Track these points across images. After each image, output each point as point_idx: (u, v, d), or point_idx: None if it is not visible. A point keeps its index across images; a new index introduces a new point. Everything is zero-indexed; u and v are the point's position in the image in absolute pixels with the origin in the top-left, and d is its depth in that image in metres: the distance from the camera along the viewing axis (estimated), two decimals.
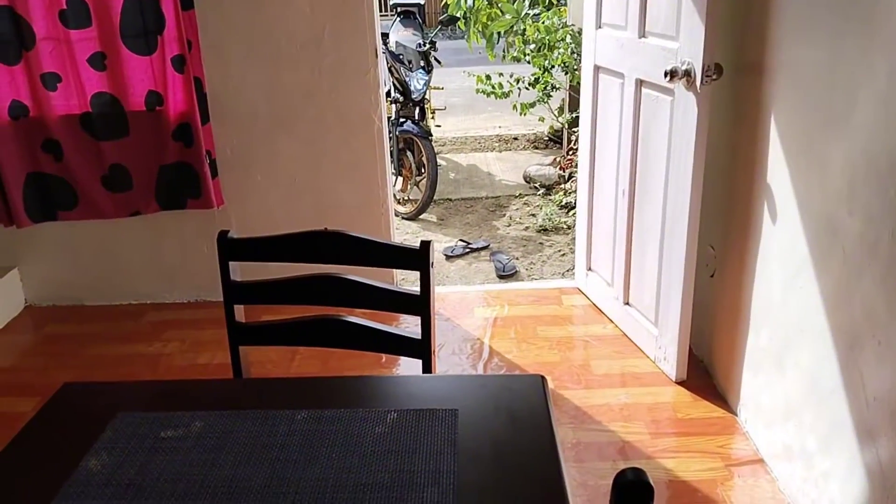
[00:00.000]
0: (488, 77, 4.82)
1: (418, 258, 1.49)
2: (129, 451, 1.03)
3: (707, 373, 2.43)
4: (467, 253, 3.68)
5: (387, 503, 0.94)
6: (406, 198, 4.26)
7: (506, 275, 3.40)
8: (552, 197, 4.30)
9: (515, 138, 5.73)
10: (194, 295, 3.07)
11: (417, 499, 0.94)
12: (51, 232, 2.95)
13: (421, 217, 4.19)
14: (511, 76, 4.80)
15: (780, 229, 1.95)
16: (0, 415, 2.33)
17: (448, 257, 3.64)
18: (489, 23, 4.80)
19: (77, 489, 0.96)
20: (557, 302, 2.96)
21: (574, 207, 3.89)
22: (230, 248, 1.56)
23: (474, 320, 2.86)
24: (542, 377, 1.21)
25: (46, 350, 2.78)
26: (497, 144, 5.64)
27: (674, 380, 2.38)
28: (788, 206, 1.90)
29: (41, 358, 2.72)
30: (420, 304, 1.51)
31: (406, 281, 3.21)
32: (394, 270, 3.08)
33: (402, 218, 4.17)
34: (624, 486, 0.82)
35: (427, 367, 1.52)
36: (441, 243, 3.80)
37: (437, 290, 3.02)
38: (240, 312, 1.58)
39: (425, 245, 1.48)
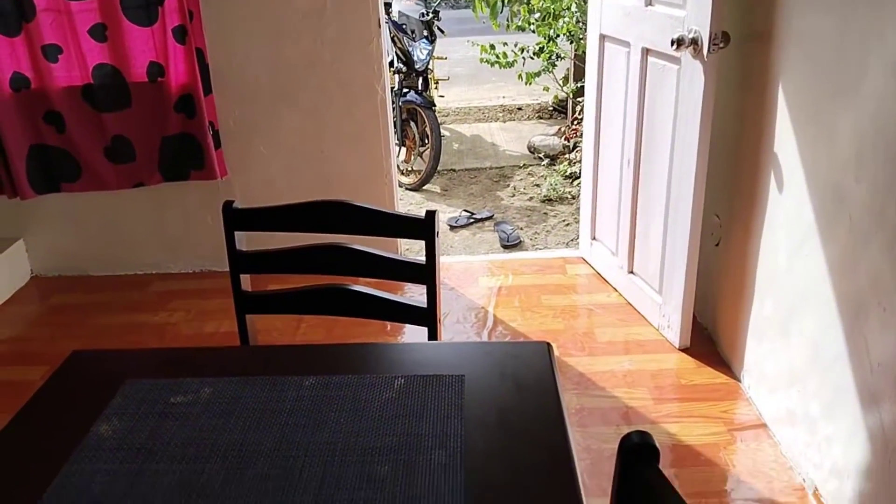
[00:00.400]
0: (492, 46, 4.77)
1: (424, 227, 1.49)
2: (139, 417, 1.05)
3: (711, 340, 2.45)
4: (471, 223, 3.68)
5: (395, 465, 0.95)
6: (409, 168, 4.25)
7: (510, 245, 3.40)
8: (556, 167, 4.28)
9: (520, 108, 5.69)
10: (199, 265, 3.08)
11: (425, 461, 0.95)
12: (55, 203, 2.95)
13: (425, 188, 4.18)
14: (515, 45, 4.75)
15: (786, 198, 1.95)
16: (9, 383, 2.36)
17: (452, 228, 3.64)
18: None
19: (89, 454, 0.98)
20: (562, 271, 2.97)
21: (578, 177, 3.88)
22: (235, 218, 1.56)
23: (479, 289, 2.87)
24: (548, 344, 1.21)
25: (53, 320, 2.80)
26: (501, 115, 5.61)
27: (677, 347, 2.39)
28: (795, 175, 1.89)
29: (48, 328, 2.74)
30: (426, 273, 1.52)
31: (410, 251, 3.21)
32: (398, 240, 3.08)
33: (406, 189, 4.16)
34: (630, 448, 0.83)
35: (433, 335, 1.53)
36: (445, 214, 3.80)
37: (442, 260, 3.03)
38: (245, 282, 1.59)
39: (430, 214, 1.48)
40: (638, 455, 0.83)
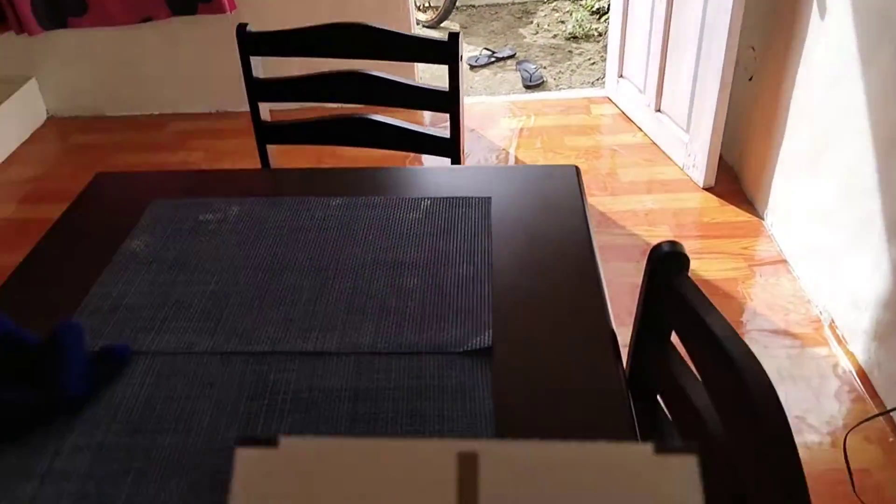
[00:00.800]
0: None
1: (446, 50, 1.43)
2: (169, 234, 1.06)
3: (736, 179, 2.41)
4: (492, 62, 3.55)
5: (423, 279, 0.96)
6: (427, 4, 4.04)
7: (532, 85, 3.29)
8: (583, 2, 4.05)
9: None
10: (215, 105, 3.03)
11: (453, 275, 0.97)
12: (65, 41, 2.86)
13: (442, 25, 4.00)
14: None
15: (828, 25, 1.83)
16: (34, 220, 2.40)
17: (472, 67, 3.52)
18: None
19: (122, 266, 1.00)
20: (586, 111, 2.89)
21: (606, 13, 3.68)
22: (250, 43, 1.51)
23: (500, 131, 2.81)
24: (576, 167, 1.19)
25: (73, 159, 2.80)
26: None
27: (701, 186, 2.36)
28: (839, 0, 1.77)
29: (69, 167, 2.75)
30: (449, 100, 1.47)
31: None
32: (416, 70, 2.99)
33: (423, 26, 3.98)
34: (660, 257, 0.83)
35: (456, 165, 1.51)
36: (465, 53, 3.65)
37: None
38: (265, 112, 1.55)
39: (454, 37, 1.41)
40: (668, 263, 0.83)
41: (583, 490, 0.25)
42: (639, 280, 0.89)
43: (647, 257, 0.86)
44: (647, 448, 0.26)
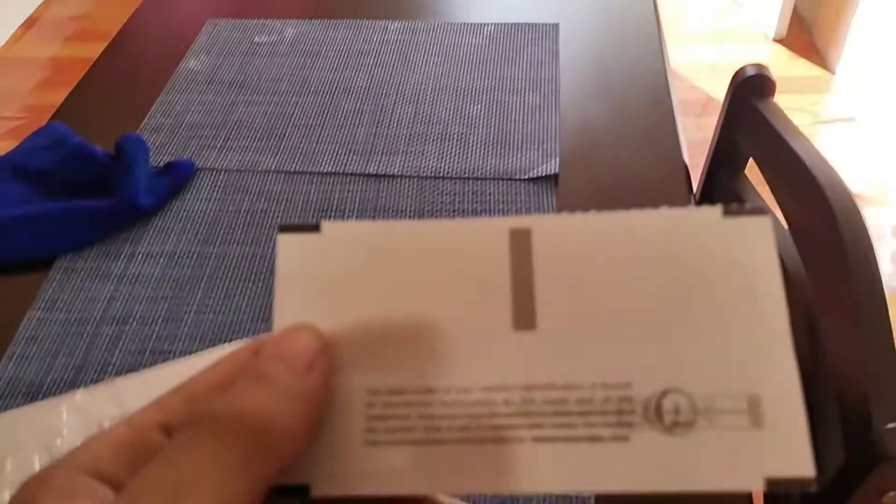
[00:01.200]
0: None
1: None
2: (225, 54, 1.03)
3: (808, 32, 2.26)
4: None
5: (487, 106, 0.93)
6: None
7: None
8: None
9: None
10: None
11: (518, 102, 0.93)
12: None
13: None
14: None
15: None
16: (83, 60, 2.38)
17: None
18: None
19: (182, 85, 0.98)
20: None
21: None
22: None
23: None
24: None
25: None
26: None
27: (772, 38, 2.22)
28: None
29: (110, 5, 2.68)
30: None
31: None
32: None
33: None
34: (744, 80, 0.78)
35: None
36: None
37: None
38: None
39: None
40: (752, 87, 0.78)
41: (646, 258, 0.23)
42: (699, 136, 0.85)
43: (729, 81, 0.81)
44: (715, 211, 0.23)
